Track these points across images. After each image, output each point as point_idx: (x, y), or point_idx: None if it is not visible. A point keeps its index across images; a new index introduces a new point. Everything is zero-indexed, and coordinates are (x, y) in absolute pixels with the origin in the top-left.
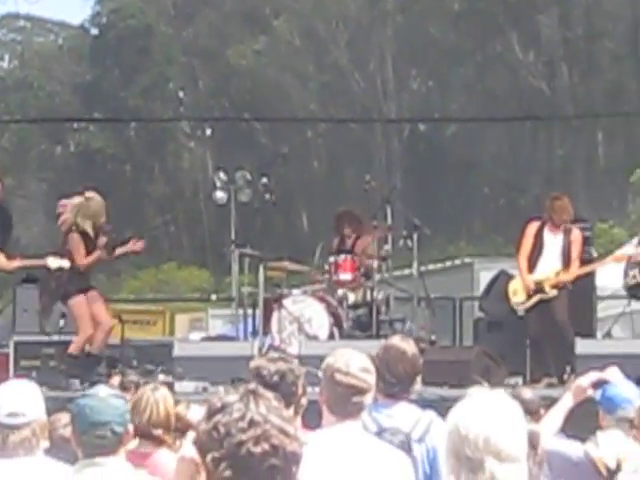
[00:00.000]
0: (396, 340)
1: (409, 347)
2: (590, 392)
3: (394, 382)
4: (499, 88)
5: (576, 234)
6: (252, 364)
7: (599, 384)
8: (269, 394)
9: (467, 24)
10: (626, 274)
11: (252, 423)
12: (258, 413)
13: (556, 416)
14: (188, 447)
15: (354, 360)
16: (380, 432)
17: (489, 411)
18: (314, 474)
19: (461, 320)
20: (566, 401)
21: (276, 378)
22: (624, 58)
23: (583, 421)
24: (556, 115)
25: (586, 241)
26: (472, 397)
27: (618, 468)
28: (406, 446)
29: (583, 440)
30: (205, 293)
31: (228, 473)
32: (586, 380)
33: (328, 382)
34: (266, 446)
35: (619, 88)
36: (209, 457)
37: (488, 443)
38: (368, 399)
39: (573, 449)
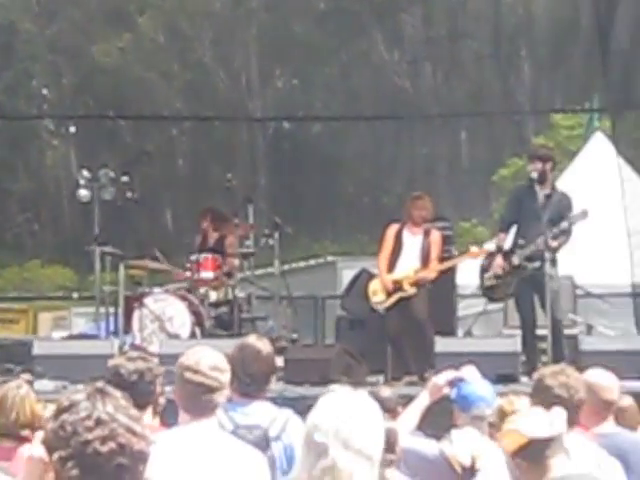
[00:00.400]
0: (251, 339)
1: (264, 346)
2: (446, 390)
3: (249, 381)
4: (363, 87)
5: (435, 235)
6: (111, 363)
7: (455, 382)
8: (117, 393)
9: (332, 23)
10: (482, 276)
11: (99, 422)
12: (105, 412)
13: (412, 414)
14: (37, 446)
15: (205, 359)
16: (236, 430)
17: (346, 406)
18: (165, 473)
19: (323, 318)
20: (422, 399)
21: (134, 377)
22: (486, 58)
23: (440, 419)
24: (419, 114)
25: (447, 240)
26: (332, 393)
27: (472, 465)
28: (263, 443)
29: (439, 438)
30: (68, 291)
31: (75, 472)
32: (442, 378)
33: (179, 380)
34: (113, 445)
35: (481, 88)
36: (56, 456)
37: (337, 433)
38: (220, 397)
39: (428, 447)
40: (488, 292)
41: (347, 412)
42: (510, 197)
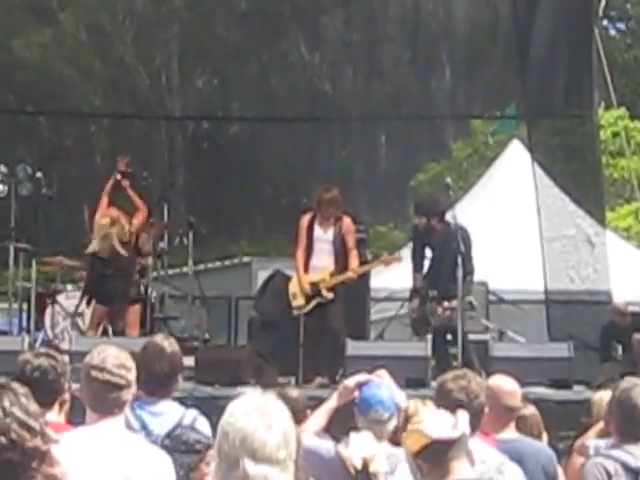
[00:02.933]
0: (156, 339)
1: (169, 345)
2: (356, 393)
3: (153, 380)
4: (283, 88)
5: (347, 222)
6: (20, 358)
7: (364, 385)
8: (20, 389)
9: (253, 23)
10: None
11: None
12: (0, 407)
13: (320, 415)
14: None
15: (110, 357)
16: (144, 430)
17: (253, 411)
18: (70, 472)
19: (236, 319)
20: (331, 401)
21: (37, 374)
22: (406, 62)
23: (346, 422)
24: (338, 116)
25: (361, 244)
26: (242, 397)
27: (365, 469)
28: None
29: (339, 440)
30: None
31: None
32: (352, 381)
33: (85, 379)
34: (3, 440)
35: (401, 92)
36: None
37: (244, 442)
38: (127, 395)
39: (325, 447)
40: (411, 323)
41: (254, 418)
42: (413, 240)
